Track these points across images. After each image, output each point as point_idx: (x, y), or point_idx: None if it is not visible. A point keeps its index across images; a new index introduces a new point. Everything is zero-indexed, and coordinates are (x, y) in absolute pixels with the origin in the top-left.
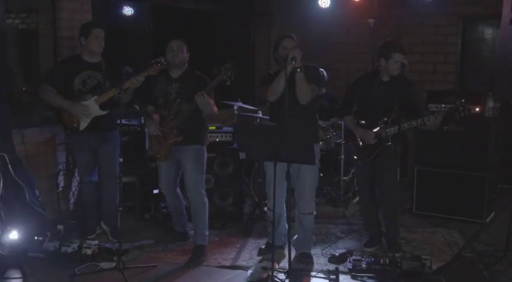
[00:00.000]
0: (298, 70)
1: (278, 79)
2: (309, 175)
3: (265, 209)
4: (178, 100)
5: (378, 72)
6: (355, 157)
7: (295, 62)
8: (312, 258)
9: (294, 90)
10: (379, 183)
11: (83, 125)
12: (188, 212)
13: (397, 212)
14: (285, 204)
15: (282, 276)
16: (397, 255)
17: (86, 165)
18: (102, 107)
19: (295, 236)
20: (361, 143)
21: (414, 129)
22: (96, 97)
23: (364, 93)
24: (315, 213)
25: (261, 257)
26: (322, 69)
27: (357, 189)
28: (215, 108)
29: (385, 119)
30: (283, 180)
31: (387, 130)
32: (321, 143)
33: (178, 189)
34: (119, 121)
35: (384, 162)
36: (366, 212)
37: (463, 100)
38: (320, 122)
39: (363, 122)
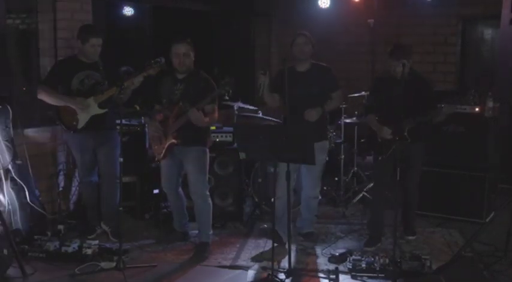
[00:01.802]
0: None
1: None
2: (318, 162)
3: (272, 199)
4: (180, 103)
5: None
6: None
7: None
8: (317, 235)
9: (308, 87)
10: (404, 175)
11: (81, 123)
12: (190, 212)
13: (416, 197)
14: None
15: (282, 276)
16: (412, 238)
17: (86, 166)
18: (101, 105)
19: (300, 218)
20: (380, 140)
21: (430, 121)
22: (94, 96)
23: (384, 92)
24: (320, 197)
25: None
26: None
27: (356, 189)
28: (207, 120)
29: (402, 115)
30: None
31: (403, 123)
32: None
33: (180, 189)
34: (118, 121)
35: (408, 158)
36: (374, 212)
37: (473, 90)
38: None
39: (387, 119)
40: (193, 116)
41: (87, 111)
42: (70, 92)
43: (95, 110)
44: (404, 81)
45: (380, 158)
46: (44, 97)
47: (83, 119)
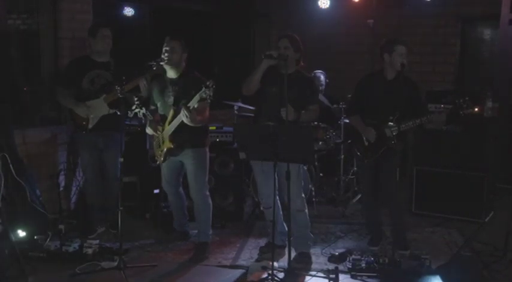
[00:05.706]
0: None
1: (253, 72)
2: (292, 172)
3: (261, 208)
4: (174, 107)
5: (382, 71)
6: (358, 153)
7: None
8: (310, 257)
9: (281, 92)
10: (382, 183)
11: (91, 124)
12: (190, 211)
13: (402, 211)
14: (279, 203)
15: (281, 275)
16: (405, 252)
17: (92, 165)
18: (110, 106)
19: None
20: (366, 143)
21: (418, 127)
22: (104, 96)
23: (369, 93)
24: (306, 210)
25: (258, 256)
26: (320, 71)
27: (356, 189)
28: (199, 118)
29: (391, 117)
30: (271, 178)
31: (392, 129)
32: (320, 143)
33: (181, 189)
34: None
35: (387, 162)
36: (367, 213)
37: (467, 98)
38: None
39: (375, 122)
40: (186, 116)
41: (97, 111)
42: (81, 92)
43: (105, 110)
44: (408, 81)
45: (366, 162)
46: (61, 99)
47: (93, 119)
